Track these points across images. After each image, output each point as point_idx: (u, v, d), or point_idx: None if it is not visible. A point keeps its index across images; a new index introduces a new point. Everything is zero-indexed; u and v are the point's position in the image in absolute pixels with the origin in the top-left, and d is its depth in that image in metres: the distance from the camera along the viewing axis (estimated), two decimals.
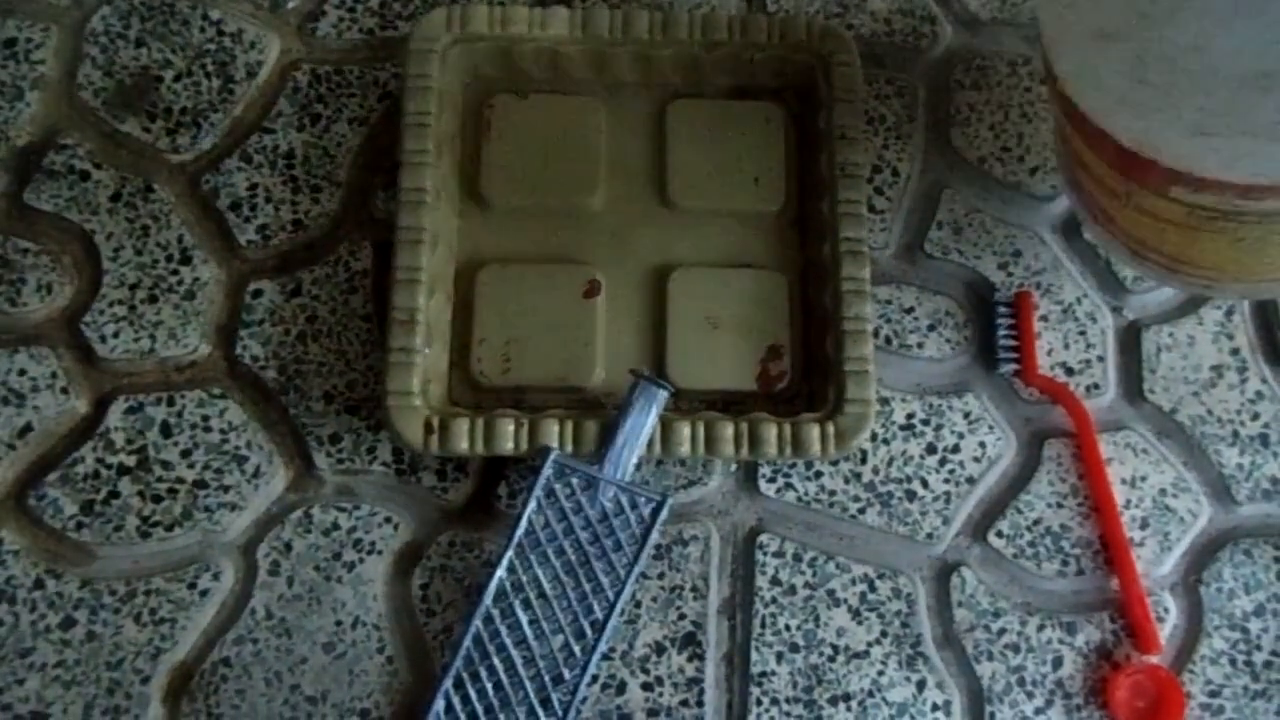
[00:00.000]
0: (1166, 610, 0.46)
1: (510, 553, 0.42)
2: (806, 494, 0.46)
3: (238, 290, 0.48)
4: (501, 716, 0.41)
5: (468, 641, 0.41)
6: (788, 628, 0.45)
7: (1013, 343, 0.47)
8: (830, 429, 0.43)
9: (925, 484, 0.46)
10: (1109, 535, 0.46)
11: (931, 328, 0.48)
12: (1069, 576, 0.46)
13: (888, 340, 0.48)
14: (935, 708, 0.44)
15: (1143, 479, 0.47)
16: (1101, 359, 0.48)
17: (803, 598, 0.45)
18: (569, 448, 0.43)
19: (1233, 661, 0.45)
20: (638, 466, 0.43)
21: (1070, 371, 0.48)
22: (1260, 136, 0.34)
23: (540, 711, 0.41)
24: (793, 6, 0.53)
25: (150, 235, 0.48)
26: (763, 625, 0.45)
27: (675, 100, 0.49)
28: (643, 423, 0.43)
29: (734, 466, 0.47)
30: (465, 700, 0.41)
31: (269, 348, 0.47)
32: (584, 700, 0.43)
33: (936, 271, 0.49)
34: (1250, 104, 0.33)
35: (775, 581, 0.45)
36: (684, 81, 0.49)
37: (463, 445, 0.42)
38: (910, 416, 0.47)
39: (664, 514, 0.43)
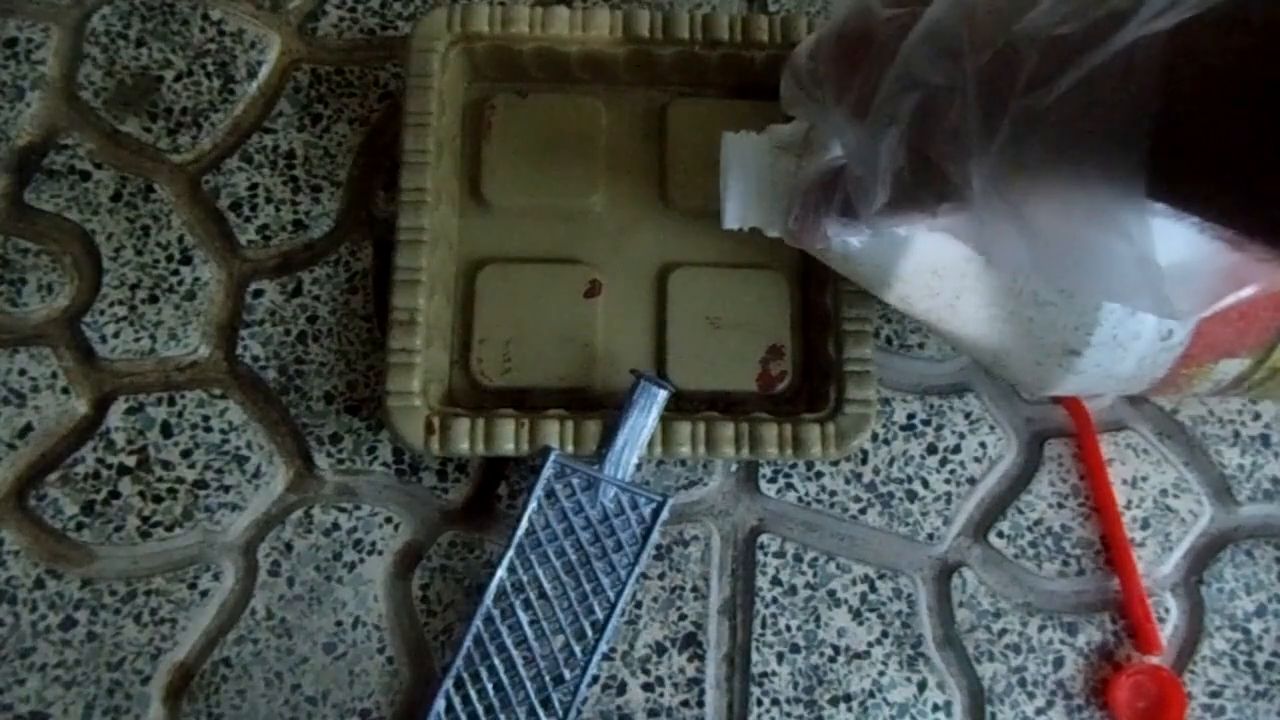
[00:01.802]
0: (1167, 611, 0.46)
1: (511, 553, 0.42)
2: (807, 494, 0.46)
3: (238, 290, 0.48)
4: (502, 717, 0.41)
5: (468, 641, 0.41)
6: (788, 628, 0.44)
7: None
8: (831, 429, 0.43)
9: (926, 484, 0.46)
10: (1110, 536, 0.46)
11: None
12: (1070, 577, 0.46)
13: (888, 340, 0.48)
14: (936, 708, 0.44)
15: (1144, 479, 0.47)
16: None
17: (803, 598, 0.45)
18: (569, 448, 0.43)
19: (1234, 662, 0.45)
20: (638, 467, 0.43)
21: None
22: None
23: (541, 712, 0.41)
24: (794, 6, 0.53)
25: (150, 235, 0.48)
26: (763, 626, 0.44)
27: (675, 100, 0.49)
28: (643, 423, 0.42)
29: (734, 467, 0.47)
30: (465, 700, 0.41)
31: (269, 348, 0.47)
32: (584, 700, 0.43)
33: None
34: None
35: (776, 582, 0.45)
36: (684, 81, 0.49)
37: (463, 445, 0.42)
38: (911, 417, 0.47)
39: (664, 514, 0.43)
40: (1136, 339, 0.37)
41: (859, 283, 0.42)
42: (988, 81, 0.24)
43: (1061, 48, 0.22)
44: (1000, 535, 0.46)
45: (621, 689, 0.44)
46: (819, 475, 0.46)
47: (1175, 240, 0.24)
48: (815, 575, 0.45)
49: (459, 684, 0.41)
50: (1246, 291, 0.28)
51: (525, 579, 0.42)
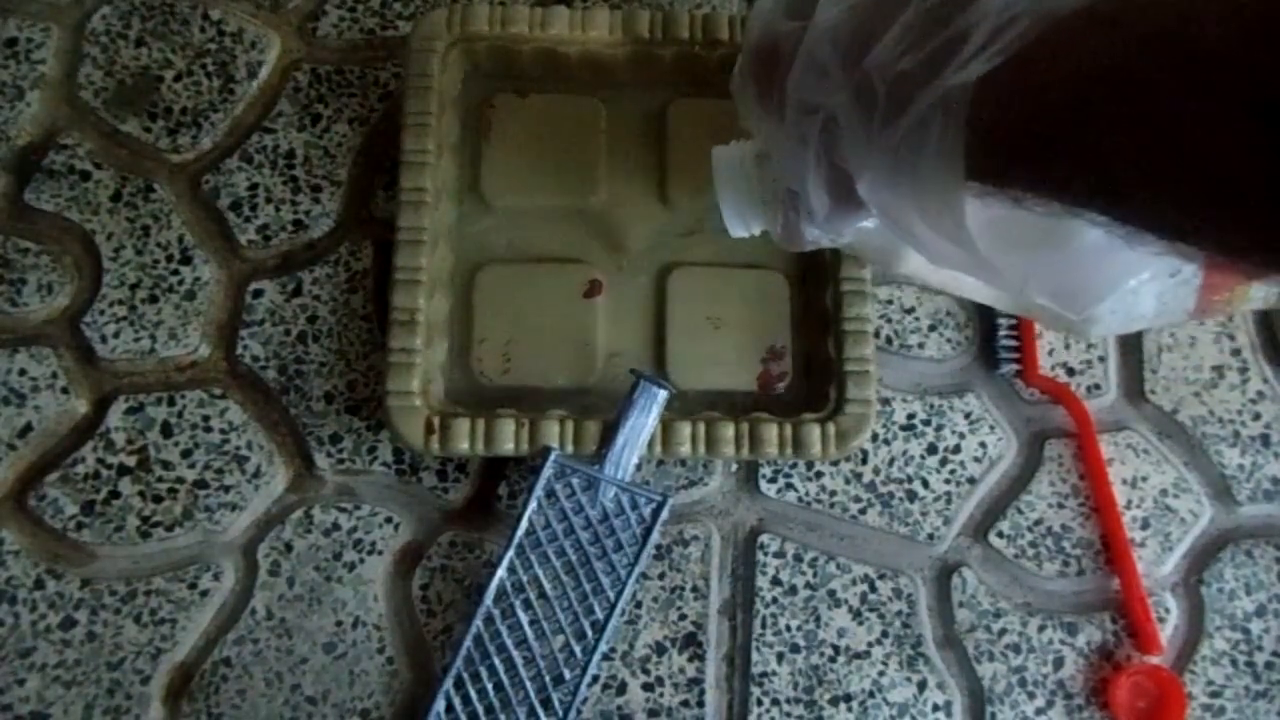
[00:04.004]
0: (1167, 611, 0.45)
1: (511, 553, 0.42)
2: (807, 494, 0.46)
3: (238, 290, 0.48)
4: (502, 717, 0.41)
5: (468, 641, 0.41)
6: (788, 628, 0.44)
7: (1014, 343, 0.47)
8: (831, 429, 0.43)
9: (926, 484, 0.46)
10: (1110, 535, 0.46)
11: (932, 328, 0.48)
12: (1070, 577, 0.46)
13: (888, 340, 0.48)
14: (936, 708, 0.44)
15: (1144, 479, 0.47)
16: (1102, 359, 0.48)
17: (803, 598, 0.45)
18: (569, 448, 0.43)
19: (1234, 662, 0.45)
20: (638, 467, 0.43)
21: (1071, 372, 0.48)
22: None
23: (541, 712, 0.41)
24: None
25: (150, 235, 0.48)
26: (763, 625, 0.44)
27: (675, 100, 0.49)
28: (643, 423, 0.42)
29: (734, 467, 0.47)
30: (465, 700, 0.41)
31: (269, 348, 0.47)
32: (584, 700, 0.43)
33: None
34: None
35: (776, 582, 0.45)
36: (684, 81, 0.49)
37: (463, 445, 0.42)
38: (911, 417, 0.47)
39: (664, 514, 0.43)
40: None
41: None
42: (854, 111, 0.28)
43: (903, 84, 0.26)
44: (1000, 535, 0.46)
45: (621, 689, 0.44)
46: (819, 475, 0.46)
47: (1075, 245, 0.28)
48: (815, 575, 0.45)
49: (459, 684, 0.41)
50: (1145, 275, 0.35)
51: (525, 579, 0.42)
